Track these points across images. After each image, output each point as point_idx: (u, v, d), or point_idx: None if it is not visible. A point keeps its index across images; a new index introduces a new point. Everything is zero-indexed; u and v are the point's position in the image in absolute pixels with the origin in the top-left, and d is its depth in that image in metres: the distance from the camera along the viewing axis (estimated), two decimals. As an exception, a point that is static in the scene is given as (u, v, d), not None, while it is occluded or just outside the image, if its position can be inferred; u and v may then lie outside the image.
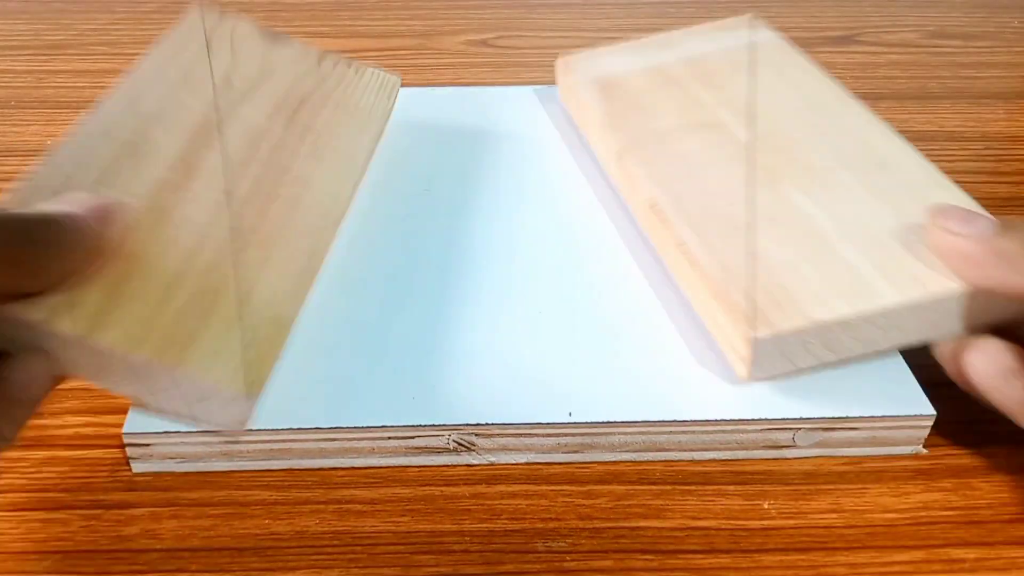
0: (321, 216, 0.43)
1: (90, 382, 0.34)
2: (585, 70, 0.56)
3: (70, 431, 0.40)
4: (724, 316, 0.39)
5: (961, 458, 0.40)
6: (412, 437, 0.38)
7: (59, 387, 0.41)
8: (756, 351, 0.37)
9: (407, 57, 0.74)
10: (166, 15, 0.82)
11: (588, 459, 0.39)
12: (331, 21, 0.81)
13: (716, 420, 0.38)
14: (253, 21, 0.50)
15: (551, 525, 0.37)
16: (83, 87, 0.69)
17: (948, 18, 0.79)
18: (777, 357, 0.38)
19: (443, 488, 0.38)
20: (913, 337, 0.39)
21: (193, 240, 0.37)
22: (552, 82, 0.60)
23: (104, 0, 0.84)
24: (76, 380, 0.34)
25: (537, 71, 0.69)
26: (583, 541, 0.36)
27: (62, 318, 0.31)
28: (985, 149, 0.61)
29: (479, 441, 0.38)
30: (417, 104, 0.59)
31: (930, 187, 0.43)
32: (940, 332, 0.39)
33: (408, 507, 0.37)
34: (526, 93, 0.62)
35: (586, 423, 0.38)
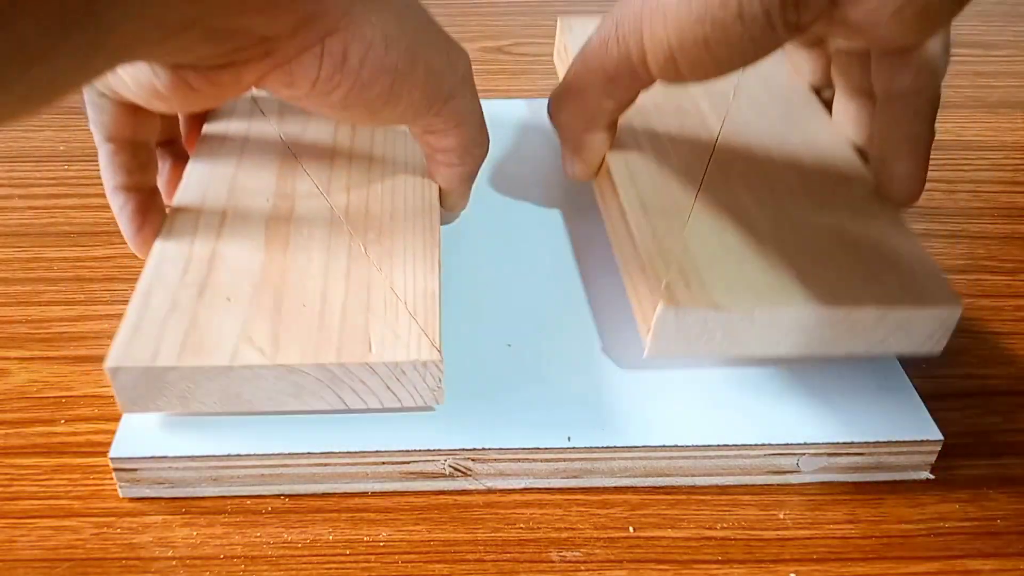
0: (414, 191, 0.44)
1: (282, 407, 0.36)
2: (583, 33, 0.56)
3: (81, 438, 0.40)
4: (642, 287, 0.39)
5: (977, 469, 0.40)
6: (407, 462, 0.38)
7: (69, 394, 0.41)
8: (658, 324, 0.37)
9: (422, 65, 0.74)
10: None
11: (588, 484, 0.39)
12: (346, 29, 0.81)
13: (718, 445, 0.38)
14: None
15: (565, 535, 0.37)
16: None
17: (966, 27, 0.79)
18: (677, 335, 0.37)
19: (457, 497, 0.38)
20: (817, 350, 0.38)
21: (323, 255, 0.40)
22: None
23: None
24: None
25: (553, 79, 0.69)
26: (598, 551, 0.36)
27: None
28: (1004, 159, 0.61)
29: (475, 466, 0.38)
30: None
31: (870, 209, 0.42)
32: (844, 348, 0.38)
33: (422, 516, 0.37)
34: (522, 106, 0.62)
35: (585, 448, 0.38)
